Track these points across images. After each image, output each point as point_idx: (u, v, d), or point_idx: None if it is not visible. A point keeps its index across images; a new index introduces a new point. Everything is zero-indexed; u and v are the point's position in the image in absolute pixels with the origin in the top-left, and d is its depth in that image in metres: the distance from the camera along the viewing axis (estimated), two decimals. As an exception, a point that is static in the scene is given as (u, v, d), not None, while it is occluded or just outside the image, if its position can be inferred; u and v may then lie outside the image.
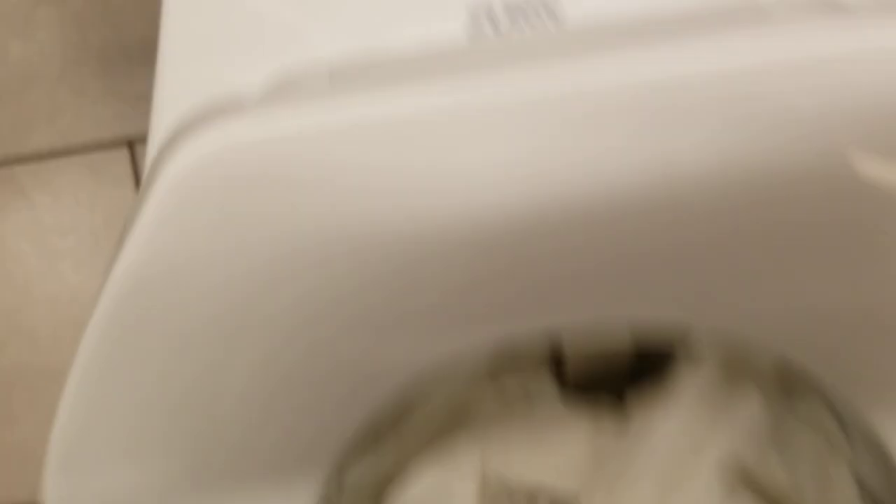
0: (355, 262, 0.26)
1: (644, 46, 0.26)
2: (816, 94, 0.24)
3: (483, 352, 0.29)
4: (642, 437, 0.34)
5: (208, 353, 0.28)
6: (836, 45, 0.25)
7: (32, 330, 0.72)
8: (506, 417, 0.37)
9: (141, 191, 0.28)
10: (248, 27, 0.39)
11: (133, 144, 0.71)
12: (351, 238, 0.26)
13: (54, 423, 0.28)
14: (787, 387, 0.34)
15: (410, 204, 0.25)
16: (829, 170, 0.25)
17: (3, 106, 0.71)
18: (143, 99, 0.69)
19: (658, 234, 0.26)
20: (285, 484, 0.30)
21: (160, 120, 0.38)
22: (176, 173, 0.26)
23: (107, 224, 0.71)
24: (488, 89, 0.26)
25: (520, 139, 0.25)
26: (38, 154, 0.71)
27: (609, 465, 0.35)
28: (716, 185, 0.25)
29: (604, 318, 0.28)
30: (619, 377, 0.37)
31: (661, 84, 0.25)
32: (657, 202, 0.25)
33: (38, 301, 0.72)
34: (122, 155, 0.71)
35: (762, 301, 0.27)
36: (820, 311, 0.27)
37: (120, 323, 0.27)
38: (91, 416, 0.28)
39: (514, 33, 0.34)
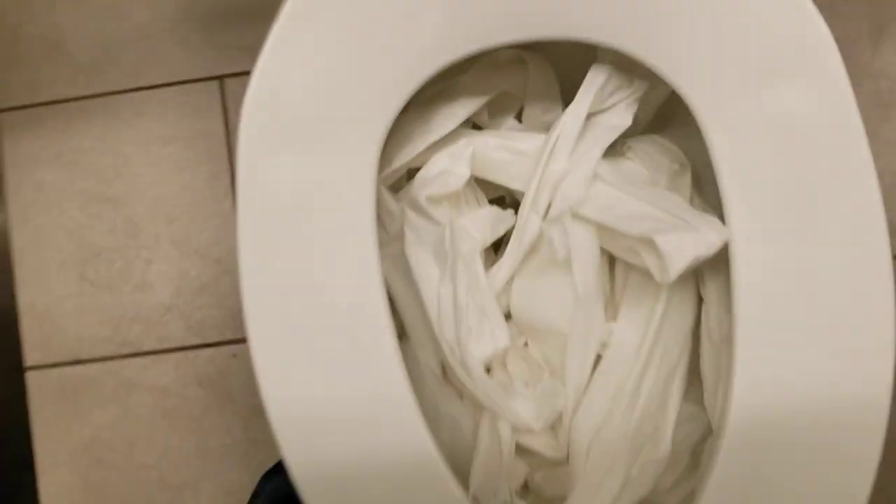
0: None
1: None
2: None
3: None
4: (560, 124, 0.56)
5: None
6: None
7: (134, 216, 0.96)
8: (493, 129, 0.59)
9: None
10: None
11: (223, 80, 0.97)
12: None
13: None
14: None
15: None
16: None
17: (126, 51, 0.97)
18: (230, 48, 0.96)
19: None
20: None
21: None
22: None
23: (199, 137, 0.96)
24: None
25: None
26: (151, 85, 0.97)
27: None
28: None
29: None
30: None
31: None
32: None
33: (142, 191, 0.96)
34: (214, 87, 0.97)
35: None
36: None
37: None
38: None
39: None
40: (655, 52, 0.49)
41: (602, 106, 0.54)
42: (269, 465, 0.90)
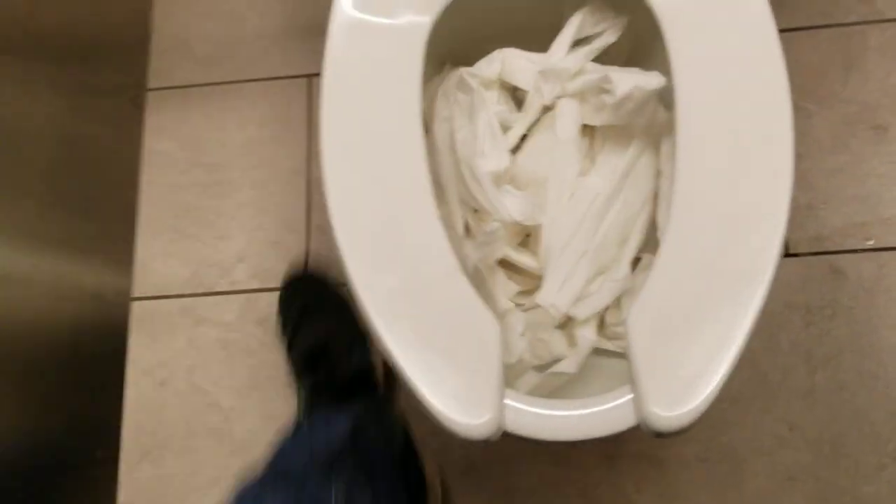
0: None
1: None
2: None
3: None
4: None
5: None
6: None
7: (224, 180, 1.16)
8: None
9: None
10: None
11: (311, 78, 1.19)
12: None
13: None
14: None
15: None
16: None
17: (237, 50, 1.21)
18: (319, 54, 1.18)
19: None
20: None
21: None
22: None
23: (286, 122, 1.17)
24: None
25: None
26: (254, 78, 1.20)
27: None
28: None
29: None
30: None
31: None
32: None
33: (234, 160, 1.16)
34: (303, 84, 1.19)
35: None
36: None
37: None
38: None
39: None
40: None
41: (592, 31, 0.73)
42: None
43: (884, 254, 1.01)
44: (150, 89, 1.21)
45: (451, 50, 0.81)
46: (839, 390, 0.97)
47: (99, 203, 1.08)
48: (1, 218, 0.87)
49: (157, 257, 1.14)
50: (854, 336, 0.98)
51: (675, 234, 0.61)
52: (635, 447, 0.98)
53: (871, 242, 1.01)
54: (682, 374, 0.57)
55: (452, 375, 0.59)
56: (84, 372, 1.03)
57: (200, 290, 1.12)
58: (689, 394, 0.56)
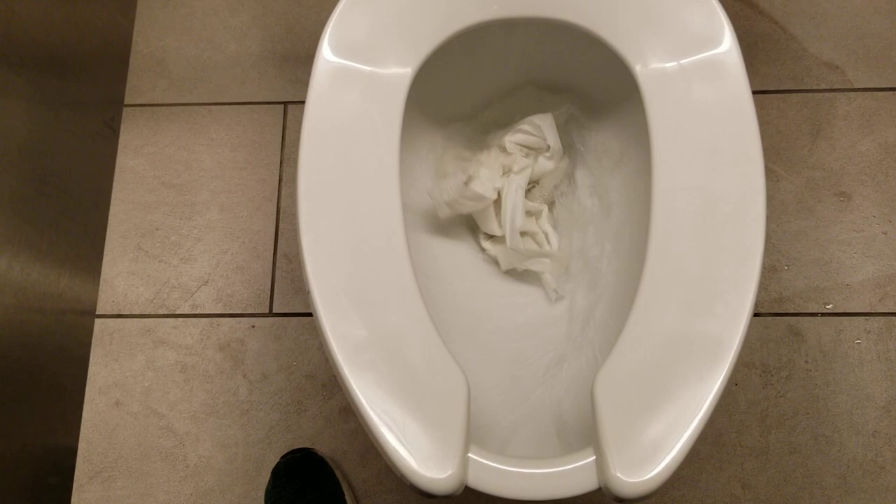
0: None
1: None
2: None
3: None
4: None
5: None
6: None
7: (192, 202, 1.15)
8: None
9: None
10: None
11: (286, 105, 1.19)
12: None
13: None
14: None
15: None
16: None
17: (214, 74, 1.21)
18: (297, 81, 1.19)
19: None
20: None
21: None
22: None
23: (259, 147, 1.17)
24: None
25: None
26: (229, 102, 1.19)
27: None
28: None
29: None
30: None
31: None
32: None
33: (203, 183, 1.15)
34: (279, 110, 1.19)
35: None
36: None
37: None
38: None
39: None
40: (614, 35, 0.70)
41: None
42: (264, 427, 1.04)
43: (842, 319, 1.03)
44: (126, 106, 1.20)
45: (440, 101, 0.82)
46: (793, 452, 0.98)
47: (70, 217, 1.06)
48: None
49: (121, 275, 1.12)
50: (810, 399, 1.00)
51: (645, 298, 0.62)
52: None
53: (830, 307, 1.03)
54: (646, 441, 0.57)
55: (418, 428, 0.59)
56: (43, 390, 1.00)
57: (162, 312, 1.11)
58: (653, 460, 0.56)
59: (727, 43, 0.68)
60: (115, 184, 1.16)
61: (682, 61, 0.68)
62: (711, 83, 0.67)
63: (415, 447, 0.58)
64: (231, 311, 1.10)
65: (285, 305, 1.09)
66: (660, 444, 0.57)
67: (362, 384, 0.60)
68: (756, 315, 1.04)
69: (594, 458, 0.59)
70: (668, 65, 0.68)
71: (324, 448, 1.03)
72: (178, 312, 1.11)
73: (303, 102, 1.17)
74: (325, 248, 0.65)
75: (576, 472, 0.59)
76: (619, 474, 0.56)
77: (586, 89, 0.84)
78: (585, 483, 0.58)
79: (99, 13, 1.15)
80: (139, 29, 1.24)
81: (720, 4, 0.69)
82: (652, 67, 0.68)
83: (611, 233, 0.80)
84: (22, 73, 0.95)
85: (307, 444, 1.03)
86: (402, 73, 0.70)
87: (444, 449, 0.58)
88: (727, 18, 0.68)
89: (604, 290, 0.77)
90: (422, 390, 0.60)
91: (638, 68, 0.68)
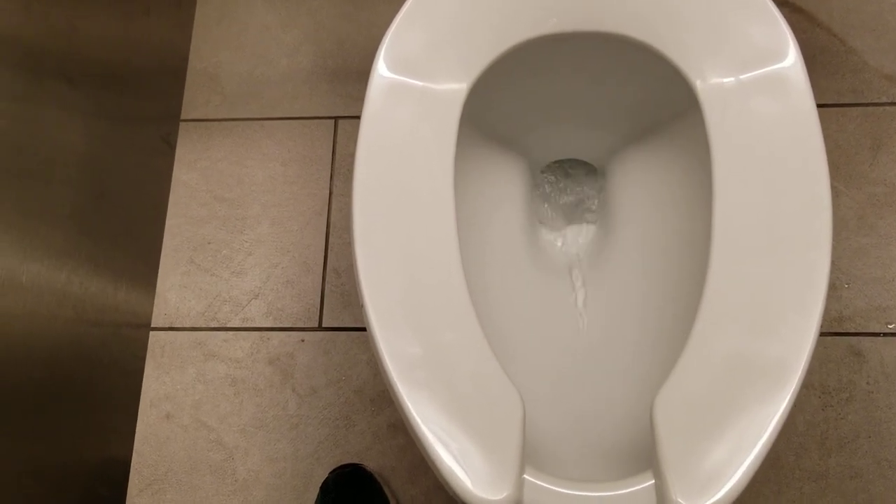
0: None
1: None
2: None
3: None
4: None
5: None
6: None
7: (244, 216, 1.16)
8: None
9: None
10: None
11: (337, 120, 1.19)
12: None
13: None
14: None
15: None
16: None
17: (266, 89, 1.22)
18: (348, 97, 1.19)
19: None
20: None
21: None
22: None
23: (310, 162, 1.17)
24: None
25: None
26: (280, 117, 1.20)
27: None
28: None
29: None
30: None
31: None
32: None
33: (255, 197, 1.16)
34: (329, 125, 1.19)
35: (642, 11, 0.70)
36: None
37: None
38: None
39: None
40: (675, 50, 0.68)
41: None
42: (313, 442, 1.04)
43: (905, 339, 1.00)
44: (182, 121, 1.21)
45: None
46: (854, 477, 0.96)
47: (127, 231, 1.07)
48: (35, 240, 0.87)
49: (173, 289, 1.13)
50: (871, 422, 0.97)
51: (706, 319, 0.60)
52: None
53: (892, 326, 1.00)
54: (707, 466, 0.56)
55: (473, 448, 0.58)
56: (98, 403, 1.02)
57: (213, 325, 1.11)
58: (714, 487, 0.55)
59: (791, 57, 0.66)
60: (172, 198, 1.18)
61: (744, 76, 0.66)
62: (775, 98, 0.65)
63: (470, 467, 0.57)
64: (281, 325, 1.10)
65: (335, 320, 1.09)
66: (721, 469, 0.55)
67: (416, 401, 0.59)
68: (815, 334, 1.01)
69: (653, 481, 0.57)
70: (729, 79, 0.66)
71: (372, 464, 1.02)
72: (228, 326, 1.11)
73: (354, 117, 1.19)
74: (379, 264, 0.64)
75: (634, 496, 0.57)
76: (679, 499, 0.55)
77: (639, 108, 0.82)
78: (644, 507, 0.57)
79: (157, 30, 1.17)
80: (194, 45, 1.26)
81: (783, 18, 0.67)
82: (712, 82, 0.67)
83: (666, 252, 0.79)
84: (82, 89, 0.96)
85: (356, 460, 1.03)
86: (456, 88, 0.69)
87: (499, 469, 0.57)
88: (791, 32, 0.67)
89: (658, 308, 0.76)
90: (477, 409, 0.59)
91: (699, 83, 0.67)
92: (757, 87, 0.66)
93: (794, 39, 0.66)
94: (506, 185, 0.87)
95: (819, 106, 1.10)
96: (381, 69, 0.70)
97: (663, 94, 0.74)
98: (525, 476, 0.58)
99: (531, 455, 0.63)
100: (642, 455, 0.62)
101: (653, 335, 0.73)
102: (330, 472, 1.00)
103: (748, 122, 0.65)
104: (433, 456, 0.58)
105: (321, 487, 1.00)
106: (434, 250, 0.65)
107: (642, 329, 0.77)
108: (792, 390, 0.57)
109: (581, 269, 0.87)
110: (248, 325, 1.11)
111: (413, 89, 0.69)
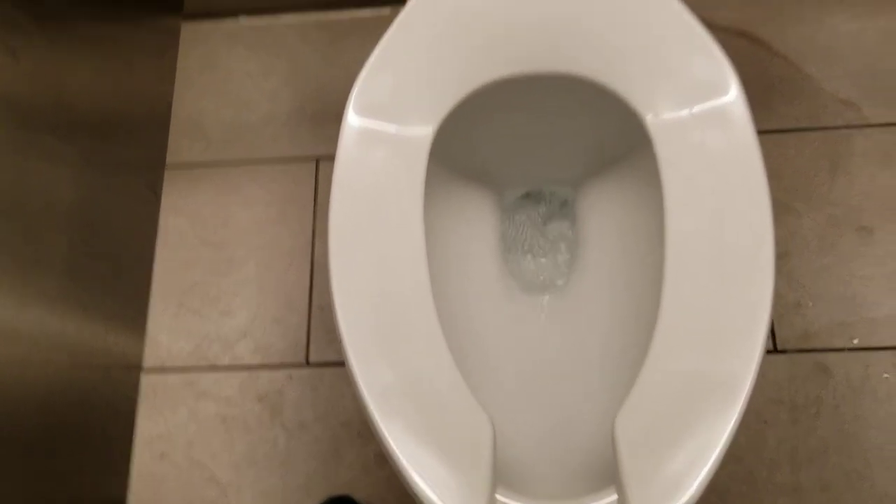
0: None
1: None
2: None
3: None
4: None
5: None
6: None
7: (230, 258, 1.19)
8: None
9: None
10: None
11: (318, 161, 1.23)
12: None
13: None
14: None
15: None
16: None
17: (248, 133, 1.26)
18: (328, 138, 1.23)
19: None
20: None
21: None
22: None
23: (292, 202, 1.21)
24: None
25: None
26: (263, 159, 1.24)
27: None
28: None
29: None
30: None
31: None
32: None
33: (240, 239, 1.20)
34: (311, 165, 1.24)
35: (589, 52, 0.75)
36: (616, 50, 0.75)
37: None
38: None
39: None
40: (625, 87, 0.73)
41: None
42: (303, 475, 1.07)
43: (869, 353, 1.04)
44: (167, 168, 1.25)
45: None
46: (824, 489, 0.99)
47: (116, 276, 1.11)
48: (26, 289, 0.90)
49: (164, 331, 1.17)
50: (840, 435, 1.01)
51: (661, 341, 0.64)
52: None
53: (856, 342, 1.04)
54: (665, 478, 0.59)
55: (446, 471, 0.61)
56: (93, 446, 1.04)
57: (203, 365, 1.15)
58: (672, 497, 0.58)
59: (733, 91, 0.71)
60: (158, 243, 1.21)
61: (689, 110, 0.71)
62: (719, 131, 0.70)
63: (445, 489, 0.61)
64: (269, 363, 1.14)
65: (321, 355, 1.13)
66: (678, 480, 0.59)
67: (392, 429, 0.63)
68: (782, 352, 1.05)
69: (616, 497, 0.61)
70: (676, 114, 0.71)
71: (362, 495, 1.05)
72: (218, 365, 1.14)
73: (333, 158, 1.23)
74: (354, 299, 0.68)
75: (599, 512, 0.61)
76: (640, 512, 0.58)
77: (601, 141, 0.87)
78: (609, 522, 0.60)
79: (141, 82, 1.21)
80: (178, 93, 1.30)
81: (724, 53, 0.72)
82: (661, 117, 0.71)
83: (628, 278, 0.83)
84: (71, 142, 1.00)
85: (345, 492, 1.06)
86: (423, 130, 0.74)
87: (472, 490, 0.60)
88: (731, 66, 0.71)
89: (621, 331, 0.80)
90: (449, 434, 0.63)
91: (648, 118, 0.71)
92: (702, 121, 0.70)
93: (735, 73, 0.71)
94: (477, 218, 0.92)
95: (778, 131, 1.16)
96: (352, 115, 0.75)
97: (620, 128, 0.79)
98: (497, 496, 0.62)
99: (503, 474, 0.66)
100: (608, 471, 0.65)
101: (616, 357, 0.77)
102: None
103: (695, 156, 0.69)
104: (409, 480, 0.61)
105: None
106: (406, 285, 0.69)
107: (607, 351, 0.80)
108: (741, 405, 0.60)
109: (551, 295, 0.90)
110: (237, 364, 1.14)
111: (382, 134, 0.74)
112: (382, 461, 1.06)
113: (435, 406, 0.64)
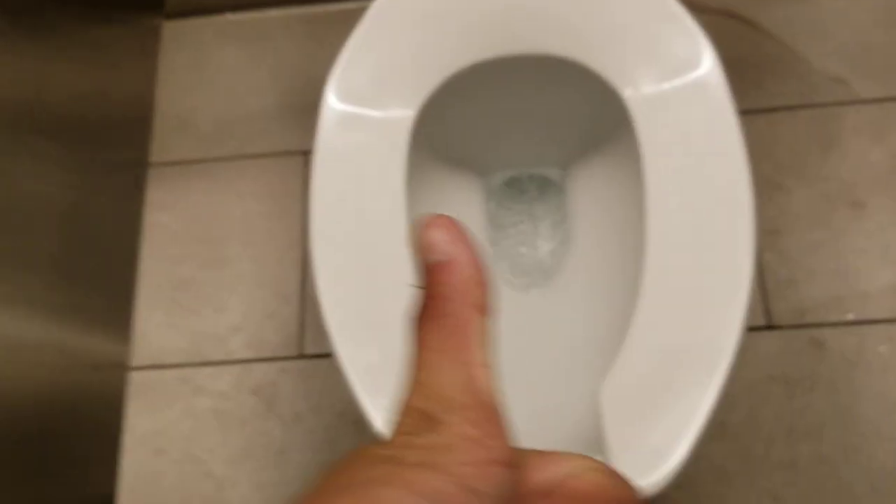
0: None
1: None
2: None
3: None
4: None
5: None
6: None
7: (223, 253, 1.19)
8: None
9: None
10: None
11: (307, 154, 1.23)
12: None
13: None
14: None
15: None
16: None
17: (237, 129, 1.26)
18: (315, 131, 1.23)
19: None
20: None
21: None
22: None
23: (283, 196, 1.21)
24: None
25: None
26: (253, 154, 1.24)
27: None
28: None
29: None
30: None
31: None
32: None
33: (232, 234, 1.20)
34: (300, 159, 1.23)
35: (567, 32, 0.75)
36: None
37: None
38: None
39: None
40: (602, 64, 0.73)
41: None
42: (299, 466, 1.06)
43: (863, 327, 1.03)
44: (152, 165, 1.25)
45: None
46: (822, 463, 0.98)
47: (100, 276, 1.11)
48: (12, 290, 0.91)
49: (156, 328, 1.17)
50: (835, 409, 1.00)
51: (644, 312, 0.64)
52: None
53: (850, 316, 1.04)
54: (650, 446, 0.59)
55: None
56: (81, 444, 1.05)
57: (197, 360, 1.15)
58: (656, 466, 0.58)
59: (708, 63, 0.70)
60: (148, 240, 1.21)
61: (666, 85, 0.70)
62: (696, 103, 0.69)
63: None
64: (263, 356, 1.14)
65: (314, 347, 1.12)
66: (663, 449, 0.59)
67: (377, 409, 0.63)
68: (776, 328, 1.04)
69: (603, 466, 0.60)
70: (654, 89, 0.70)
71: (358, 484, 1.05)
72: (212, 360, 1.14)
73: (322, 150, 1.23)
74: (338, 285, 0.68)
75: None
76: (625, 480, 0.58)
77: (585, 120, 0.87)
78: (595, 491, 0.60)
79: (122, 80, 1.22)
80: (166, 91, 1.30)
81: (699, 26, 0.71)
82: (639, 92, 0.71)
83: (616, 255, 0.82)
84: (54, 141, 1.01)
85: (342, 481, 1.05)
86: (404, 114, 0.73)
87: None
88: (707, 39, 0.71)
89: (606, 309, 0.79)
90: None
91: (626, 94, 0.71)
92: (679, 94, 0.70)
93: (711, 46, 0.71)
94: (462, 202, 0.91)
95: (769, 110, 1.15)
96: (331, 100, 0.75)
97: (602, 106, 0.78)
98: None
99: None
100: (594, 442, 0.65)
101: (602, 332, 0.76)
102: None
103: (673, 130, 0.69)
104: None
105: None
106: (388, 268, 0.68)
107: (594, 328, 0.80)
108: (723, 373, 0.60)
109: (538, 277, 0.90)
110: (231, 359, 1.14)
111: (362, 118, 0.74)
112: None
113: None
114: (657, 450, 0.58)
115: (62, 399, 1.00)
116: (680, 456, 0.58)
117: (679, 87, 0.70)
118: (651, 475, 0.58)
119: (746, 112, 1.14)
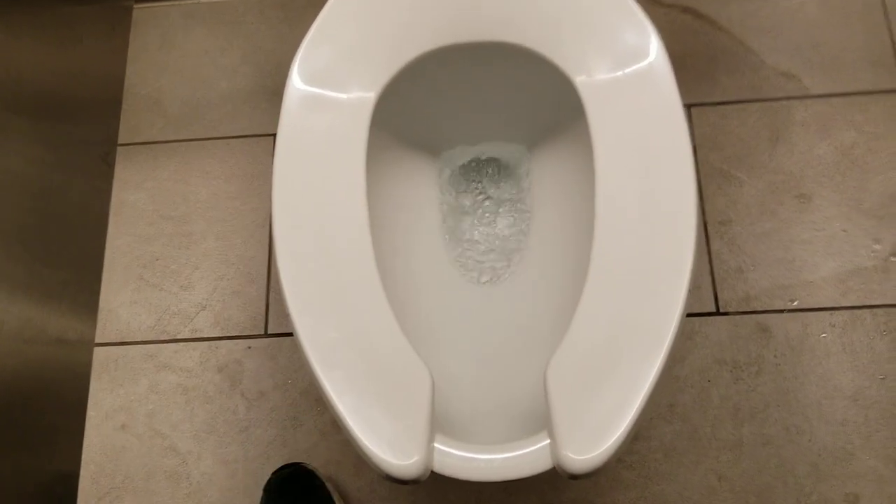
0: None
1: None
2: None
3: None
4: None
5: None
6: None
7: (189, 232, 1.21)
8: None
9: None
10: None
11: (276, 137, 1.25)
12: None
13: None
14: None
15: None
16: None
17: (207, 111, 1.28)
18: (285, 115, 1.25)
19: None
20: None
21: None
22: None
23: (251, 178, 1.23)
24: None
25: None
26: (222, 136, 1.26)
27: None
28: None
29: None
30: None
31: None
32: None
33: (200, 213, 1.22)
34: (269, 141, 1.25)
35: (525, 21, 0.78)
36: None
37: None
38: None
39: None
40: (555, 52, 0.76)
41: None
42: (263, 443, 1.09)
43: (808, 314, 1.08)
44: (122, 144, 1.27)
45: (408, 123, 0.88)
46: (766, 443, 1.03)
47: (67, 252, 1.13)
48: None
49: (124, 305, 1.18)
50: (780, 392, 1.04)
51: (591, 294, 0.67)
52: (573, 494, 1.03)
53: (795, 303, 1.08)
54: (593, 422, 0.62)
55: (385, 420, 0.64)
56: (46, 419, 1.06)
57: (163, 338, 1.17)
58: (599, 440, 0.61)
59: (654, 53, 0.74)
60: (116, 218, 1.23)
61: (616, 72, 0.74)
62: (644, 91, 0.73)
63: (383, 437, 0.63)
64: (228, 334, 1.16)
65: (279, 326, 1.15)
66: (606, 423, 0.62)
67: (332, 381, 0.65)
68: (724, 314, 1.09)
69: (548, 441, 0.64)
70: (604, 75, 0.74)
71: (320, 460, 1.08)
72: (178, 337, 1.16)
73: (290, 134, 1.25)
74: (298, 262, 0.71)
75: (532, 455, 0.64)
76: (569, 453, 0.61)
77: (542, 106, 0.90)
78: (541, 463, 0.63)
79: (91, 57, 1.23)
80: (137, 72, 1.32)
81: (647, 17, 0.75)
82: (590, 79, 0.74)
83: (571, 238, 0.85)
84: (23, 116, 1.02)
85: (303, 457, 1.08)
86: (365, 97, 0.76)
87: (409, 437, 0.63)
88: (655, 29, 0.74)
89: (560, 290, 0.83)
90: (389, 385, 0.66)
91: (578, 81, 0.74)
92: (628, 81, 0.73)
93: (658, 36, 0.74)
94: (423, 184, 0.94)
95: (721, 103, 1.19)
96: (296, 81, 0.77)
97: (557, 93, 0.81)
98: (435, 443, 0.64)
99: (450, 428, 0.69)
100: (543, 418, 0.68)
101: (557, 313, 0.79)
102: (272, 474, 1.05)
103: (622, 116, 0.72)
104: (348, 429, 0.64)
105: (264, 489, 1.05)
106: (348, 246, 0.71)
107: (549, 308, 0.83)
108: (665, 348, 0.63)
109: (496, 258, 0.93)
110: (197, 336, 1.16)
111: (325, 99, 0.76)
112: (339, 427, 1.09)
113: (375, 359, 0.67)
114: (600, 424, 0.62)
115: (27, 374, 1.01)
116: (622, 430, 0.61)
117: (629, 75, 0.73)
118: (594, 448, 0.61)
119: (699, 105, 1.19)
